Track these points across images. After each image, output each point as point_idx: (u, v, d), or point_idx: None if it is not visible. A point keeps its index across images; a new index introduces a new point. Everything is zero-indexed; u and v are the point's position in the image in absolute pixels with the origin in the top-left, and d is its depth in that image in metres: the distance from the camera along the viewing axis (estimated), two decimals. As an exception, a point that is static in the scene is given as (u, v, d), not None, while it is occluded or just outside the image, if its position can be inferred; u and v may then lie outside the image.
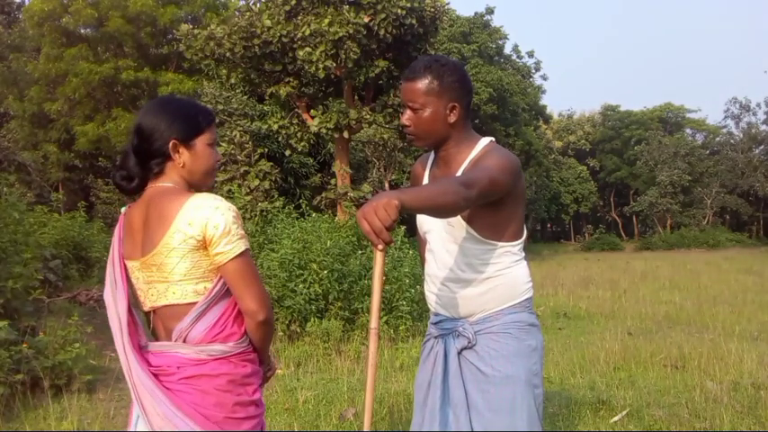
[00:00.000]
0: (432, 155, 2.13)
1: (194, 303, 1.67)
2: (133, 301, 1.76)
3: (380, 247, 1.50)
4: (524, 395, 1.89)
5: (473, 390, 1.93)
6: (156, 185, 1.74)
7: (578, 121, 54.22)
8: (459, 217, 1.91)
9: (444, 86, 1.92)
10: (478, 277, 1.97)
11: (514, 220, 1.97)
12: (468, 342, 1.95)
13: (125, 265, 1.76)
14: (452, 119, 1.95)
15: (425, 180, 2.12)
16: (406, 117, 1.97)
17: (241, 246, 1.65)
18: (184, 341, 1.68)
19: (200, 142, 1.74)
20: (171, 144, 1.71)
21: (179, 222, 1.63)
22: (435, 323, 2.07)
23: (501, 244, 1.96)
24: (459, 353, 1.97)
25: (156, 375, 1.67)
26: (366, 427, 1.61)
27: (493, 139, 2.03)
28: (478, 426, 1.89)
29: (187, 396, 1.64)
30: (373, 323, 1.59)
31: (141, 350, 1.73)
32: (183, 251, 1.64)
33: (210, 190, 1.81)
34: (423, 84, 1.92)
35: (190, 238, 1.63)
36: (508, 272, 1.98)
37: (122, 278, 1.74)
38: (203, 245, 1.64)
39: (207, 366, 1.66)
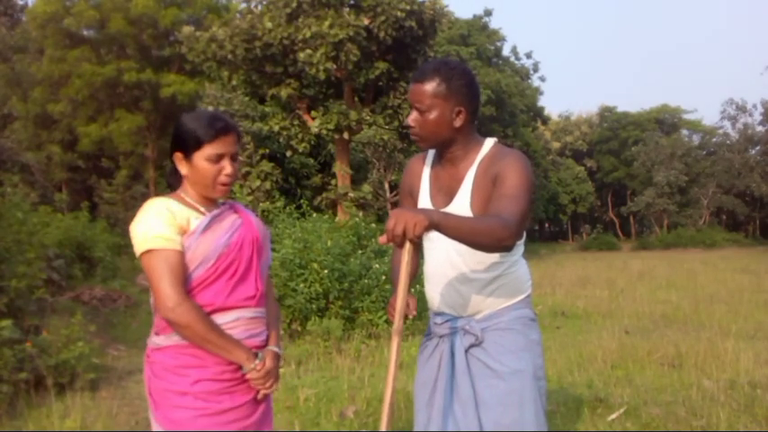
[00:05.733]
0: (432, 152, 2.09)
1: None
2: None
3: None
4: (531, 388, 1.92)
5: (481, 386, 1.92)
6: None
7: (576, 123, 54.30)
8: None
9: (452, 90, 1.90)
10: (488, 276, 1.95)
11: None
12: (476, 339, 1.95)
13: None
14: (458, 123, 1.92)
15: (424, 178, 2.08)
16: (412, 118, 1.94)
17: (142, 246, 1.74)
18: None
19: (199, 157, 1.79)
20: (175, 156, 1.84)
21: None
22: (440, 323, 2.03)
23: None
24: (467, 351, 1.95)
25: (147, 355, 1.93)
26: (383, 426, 1.65)
27: (496, 139, 2.03)
28: (487, 421, 1.89)
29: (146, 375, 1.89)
30: (396, 323, 1.63)
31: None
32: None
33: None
34: (430, 86, 1.89)
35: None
36: (514, 269, 2.00)
37: None
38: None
39: (151, 354, 1.86)
